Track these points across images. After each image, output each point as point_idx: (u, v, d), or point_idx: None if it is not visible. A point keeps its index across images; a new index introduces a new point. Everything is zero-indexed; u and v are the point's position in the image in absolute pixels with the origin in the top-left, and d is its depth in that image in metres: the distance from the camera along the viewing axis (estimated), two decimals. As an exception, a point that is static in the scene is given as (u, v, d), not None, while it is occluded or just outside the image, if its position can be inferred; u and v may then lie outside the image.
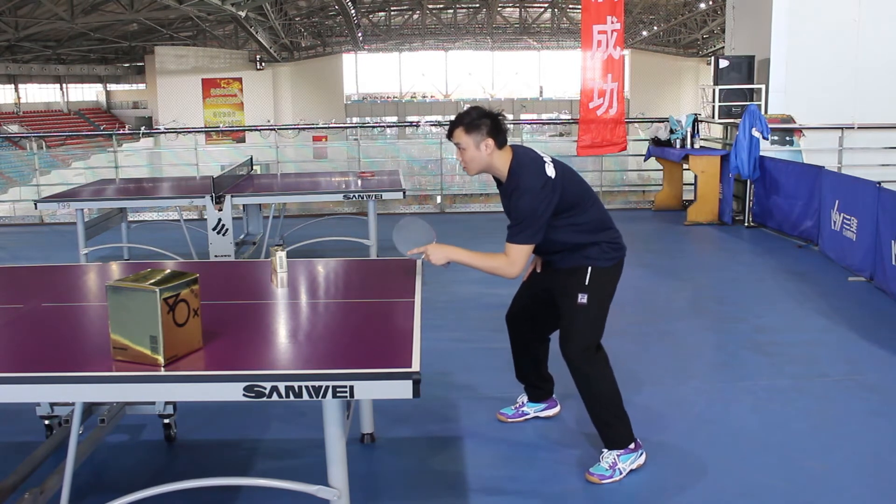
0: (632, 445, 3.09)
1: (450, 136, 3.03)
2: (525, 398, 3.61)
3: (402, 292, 2.89)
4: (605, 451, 3.09)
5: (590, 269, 3.04)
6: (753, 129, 7.68)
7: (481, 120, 2.96)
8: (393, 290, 2.98)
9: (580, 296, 3.03)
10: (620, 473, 3.03)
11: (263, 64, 42.95)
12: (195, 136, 13.10)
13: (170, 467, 3.27)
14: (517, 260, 2.95)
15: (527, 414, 3.58)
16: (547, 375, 3.57)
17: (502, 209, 3.13)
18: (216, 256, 5.94)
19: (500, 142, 2.98)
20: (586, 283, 3.03)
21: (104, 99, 48.36)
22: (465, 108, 3.07)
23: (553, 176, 2.94)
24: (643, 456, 3.12)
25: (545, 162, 2.99)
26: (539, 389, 3.57)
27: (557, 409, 3.60)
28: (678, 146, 8.73)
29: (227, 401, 2.20)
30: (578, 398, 3.47)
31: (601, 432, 3.11)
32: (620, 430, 3.09)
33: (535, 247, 3.03)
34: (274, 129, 11.60)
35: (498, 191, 3.13)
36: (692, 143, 8.67)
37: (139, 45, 41.19)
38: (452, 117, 3.09)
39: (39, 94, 44.16)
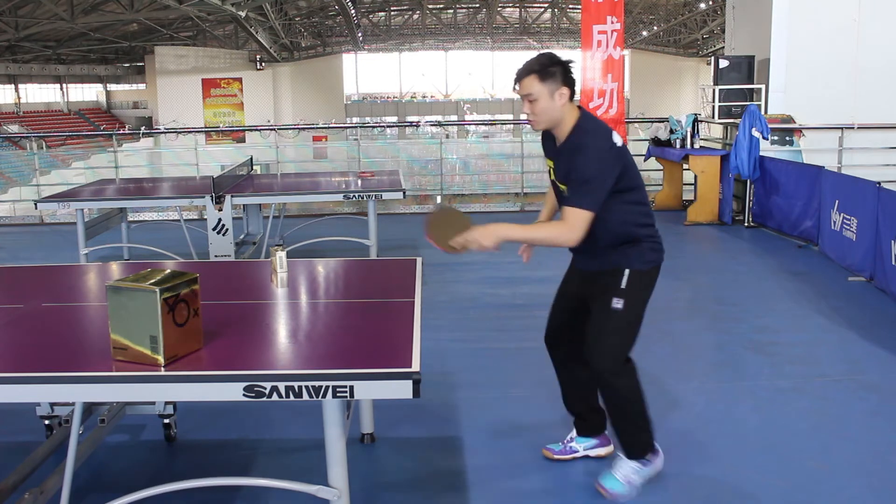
0: (650, 454, 2.95)
1: (518, 84, 2.74)
2: (574, 433, 3.21)
3: (402, 292, 2.89)
4: (623, 460, 2.94)
5: (627, 271, 2.80)
6: (753, 129, 7.67)
7: (554, 67, 2.69)
8: (393, 290, 2.98)
9: (615, 300, 2.79)
10: (634, 488, 2.90)
11: (263, 64, 42.98)
12: (195, 136, 13.15)
13: (170, 467, 3.27)
14: (578, 226, 2.65)
15: (575, 451, 3.17)
16: (597, 406, 3.13)
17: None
18: (216, 256, 5.94)
19: (573, 93, 2.73)
20: (622, 287, 2.79)
21: (104, 99, 48.38)
22: (538, 55, 2.77)
23: (619, 145, 2.73)
24: (661, 459, 2.98)
25: (611, 130, 2.77)
26: (586, 422, 3.18)
27: (610, 448, 3.15)
28: (678, 146, 8.73)
29: (227, 401, 2.20)
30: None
31: (622, 443, 2.95)
32: (643, 439, 2.94)
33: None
34: (274, 129, 11.61)
35: (544, 150, 2.90)
36: (692, 143, 8.66)
37: (139, 45, 41.23)
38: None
39: (39, 94, 44.17)
